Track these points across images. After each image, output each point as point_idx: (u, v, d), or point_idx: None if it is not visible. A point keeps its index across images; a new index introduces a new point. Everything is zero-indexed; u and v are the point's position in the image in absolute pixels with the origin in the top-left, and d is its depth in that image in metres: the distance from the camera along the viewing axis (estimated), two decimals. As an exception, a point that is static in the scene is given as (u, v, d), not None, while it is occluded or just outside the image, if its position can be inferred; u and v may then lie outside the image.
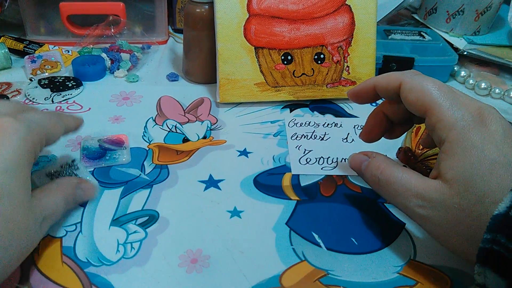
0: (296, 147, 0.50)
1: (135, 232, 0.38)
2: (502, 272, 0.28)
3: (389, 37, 0.69)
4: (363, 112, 0.58)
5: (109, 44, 0.67)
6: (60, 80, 0.59)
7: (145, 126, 0.52)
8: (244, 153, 0.49)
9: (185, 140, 0.51)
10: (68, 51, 0.66)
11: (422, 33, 0.71)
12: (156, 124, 0.53)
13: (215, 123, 0.54)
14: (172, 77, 0.63)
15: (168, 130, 0.52)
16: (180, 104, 0.57)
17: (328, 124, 0.55)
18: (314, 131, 0.53)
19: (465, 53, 0.69)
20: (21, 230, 0.30)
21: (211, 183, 0.44)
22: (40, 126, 0.33)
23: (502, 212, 0.28)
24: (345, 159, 0.48)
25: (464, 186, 0.31)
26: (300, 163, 0.48)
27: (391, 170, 0.36)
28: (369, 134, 0.43)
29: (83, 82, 0.60)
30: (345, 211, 0.42)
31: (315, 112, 0.57)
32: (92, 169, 0.45)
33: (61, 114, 0.39)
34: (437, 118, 0.33)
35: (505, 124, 0.32)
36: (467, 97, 0.34)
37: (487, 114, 0.32)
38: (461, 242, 0.31)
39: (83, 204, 0.41)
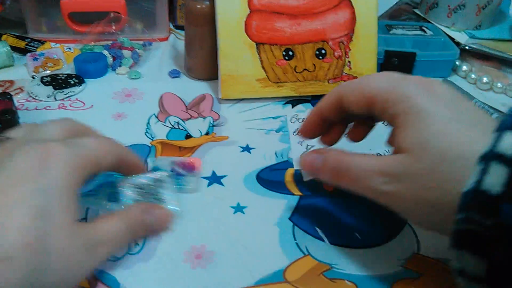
0: (298, 143, 0.50)
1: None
2: (482, 252, 0.27)
3: (391, 32, 0.69)
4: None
5: (111, 41, 0.67)
6: (63, 78, 0.59)
7: (148, 123, 0.52)
8: (247, 149, 0.49)
9: (188, 136, 0.51)
10: (70, 49, 0.66)
11: (423, 27, 0.71)
12: (159, 120, 0.53)
13: (217, 119, 0.54)
14: (174, 74, 0.63)
15: (171, 126, 0.52)
16: (182, 101, 0.57)
17: (330, 120, 0.55)
18: (316, 127, 0.53)
19: (467, 47, 0.69)
20: (60, 254, 0.27)
21: (214, 179, 0.45)
22: (88, 150, 0.32)
23: (471, 188, 0.26)
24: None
25: (422, 150, 0.29)
26: (302, 158, 0.48)
27: (349, 157, 0.34)
28: (308, 131, 0.41)
29: (85, 79, 0.60)
30: (348, 205, 0.42)
31: (317, 107, 0.57)
32: None
33: (116, 143, 0.36)
34: (384, 100, 0.32)
35: (451, 88, 0.32)
36: (407, 75, 0.33)
37: (432, 82, 0.32)
38: (433, 213, 0.30)
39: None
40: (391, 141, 0.37)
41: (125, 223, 0.33)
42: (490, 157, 0.26)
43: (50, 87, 0.57)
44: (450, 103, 0.30)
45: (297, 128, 0.52)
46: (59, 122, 0.34)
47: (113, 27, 0.67)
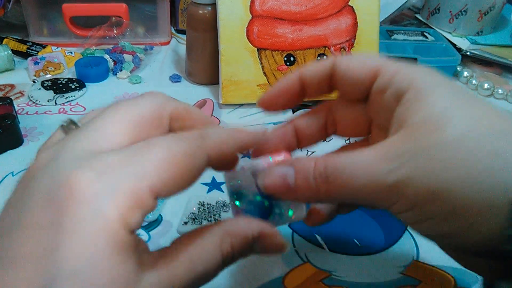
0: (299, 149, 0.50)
1: (138, 234, 0.38)
2: None
3: (392, 37, 0.69)
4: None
5: (112, 46, 0.67)
6: (63, 82, 0.59)
7: (148, 128, 0.52)
8: (247, 155, 0.49)
9: (188, 141, 0.50)
10: (71, 53, 0.66)
11: (425, 33, 0.71)
12: (159, 125, 0.53)
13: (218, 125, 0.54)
14: (175, 78, 0.63)
15: (171, 131, 0.52)
16: (183, 106, 0.57)
17: (330, 125, 0.54)
18: (316, 132, 0.53)
19: (468, 53, 0.69)
20: None
21: (214, 185, 0.45)
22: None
23: None
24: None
25: (441, 121, 0.22)
26: (303, 164, 0.48)
27: (333, 158, 0.24)
28: (276, 98, 0.31)
29: (86, 83, 0.60)
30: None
31: (317, 113, 0.57)
32: None
33: (234, 129, 0.25)
34: (395, 71, 0.26)
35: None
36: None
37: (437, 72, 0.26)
38: (460, 211, 0.21)
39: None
40: (378, 127, 0.29)
41: (218, 248, 0.24)
42: None
43: (51, 91, 0.57)
44: (472, 96, 0.24)
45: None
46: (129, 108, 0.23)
47: (115, 31, 0.67)
